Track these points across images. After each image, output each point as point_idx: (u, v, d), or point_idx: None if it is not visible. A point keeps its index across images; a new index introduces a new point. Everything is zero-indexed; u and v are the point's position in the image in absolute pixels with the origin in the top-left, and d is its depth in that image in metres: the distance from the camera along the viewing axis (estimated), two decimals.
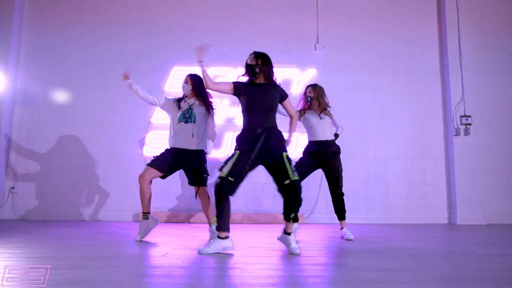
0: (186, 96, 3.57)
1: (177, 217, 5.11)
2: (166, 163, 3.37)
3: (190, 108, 3.47)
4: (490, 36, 5.92)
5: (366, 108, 5.70)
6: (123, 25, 5.66)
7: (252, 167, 2.81)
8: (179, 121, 3.45)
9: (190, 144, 3.42)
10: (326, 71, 5.64)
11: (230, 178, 2.67)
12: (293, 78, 5.62)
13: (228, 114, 5.46)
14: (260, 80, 2.93)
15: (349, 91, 5.67)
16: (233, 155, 2.78)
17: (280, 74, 5.58)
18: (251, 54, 2.95)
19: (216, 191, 2.68)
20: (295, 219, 2.79)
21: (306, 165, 3.70)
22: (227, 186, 2.67)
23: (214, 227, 3.14)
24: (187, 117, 3.45)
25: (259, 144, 2.77)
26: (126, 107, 5.39)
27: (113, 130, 5.39)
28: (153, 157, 3.42)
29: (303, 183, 2.99)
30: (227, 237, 2.72)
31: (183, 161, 3.42)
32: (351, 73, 5.71)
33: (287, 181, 2.72)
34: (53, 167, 5.26)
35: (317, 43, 5.75)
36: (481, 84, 5.78)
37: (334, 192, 3.68)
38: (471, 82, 5.70)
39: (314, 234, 4.07)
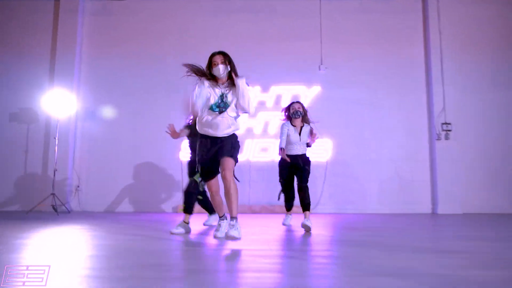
0: None
1: None
2: None
3: None
4: (468, 55, 6.99)
5: (362, 119, 6.82)
6: (162, 56, 6.89)
7: None
8: None
9: None
10: (328, 88, 6.79)
11: None
12: (301, 93, 6.78)
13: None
14: None
15: (348, 104, 6.80)
16: None
17: (290, 91, 6.80)
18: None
19: None
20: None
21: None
22: None
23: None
24: None
25: None
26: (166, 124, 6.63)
27: (155, 141, 6.60)
28: None
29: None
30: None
31: None
32: (349, 89, 6.84)
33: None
34: (108, 170, 6.54)
35: (321, 64, 6.90)
36: (460, 97, 6.85)
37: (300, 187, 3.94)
38: (452, 95, 6.78)
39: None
